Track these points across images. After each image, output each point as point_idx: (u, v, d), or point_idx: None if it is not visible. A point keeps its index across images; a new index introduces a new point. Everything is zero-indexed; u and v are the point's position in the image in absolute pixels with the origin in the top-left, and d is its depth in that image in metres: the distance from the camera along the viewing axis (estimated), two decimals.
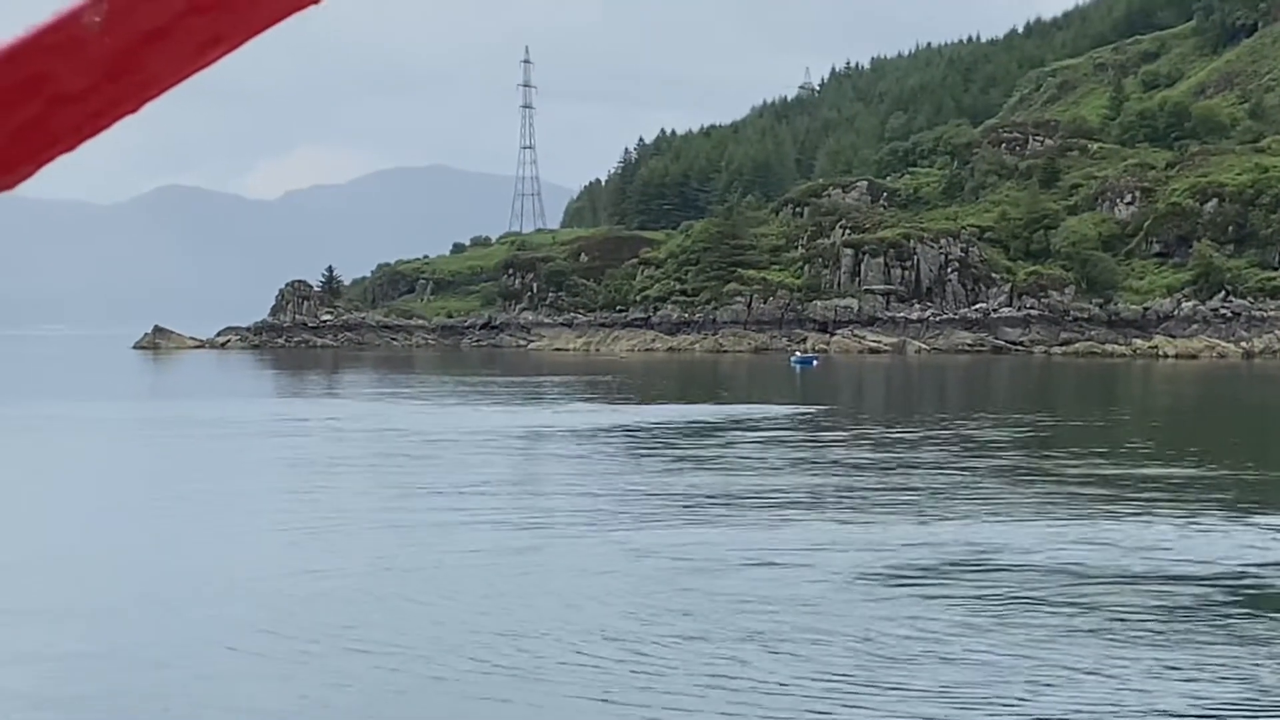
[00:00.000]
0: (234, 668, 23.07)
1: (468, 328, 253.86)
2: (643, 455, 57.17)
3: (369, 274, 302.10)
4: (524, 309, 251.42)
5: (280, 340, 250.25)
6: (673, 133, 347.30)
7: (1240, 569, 30.61)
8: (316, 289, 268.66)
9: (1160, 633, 24.61)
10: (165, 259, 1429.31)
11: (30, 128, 1.53)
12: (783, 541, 34.45)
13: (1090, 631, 24.69)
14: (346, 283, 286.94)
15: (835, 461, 53.88)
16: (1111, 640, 24.00)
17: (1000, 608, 26.65)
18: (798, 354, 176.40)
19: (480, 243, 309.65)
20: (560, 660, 22.93)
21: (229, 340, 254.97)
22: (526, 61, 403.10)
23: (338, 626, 25.53)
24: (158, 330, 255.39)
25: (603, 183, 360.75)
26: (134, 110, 1.61)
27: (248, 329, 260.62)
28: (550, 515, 40.01)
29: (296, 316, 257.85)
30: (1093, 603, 27.06)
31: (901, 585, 28.98)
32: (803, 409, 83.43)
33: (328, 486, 47.69)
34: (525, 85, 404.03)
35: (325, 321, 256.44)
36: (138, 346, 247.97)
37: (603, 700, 20.66)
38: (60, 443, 67.02)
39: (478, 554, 33.15)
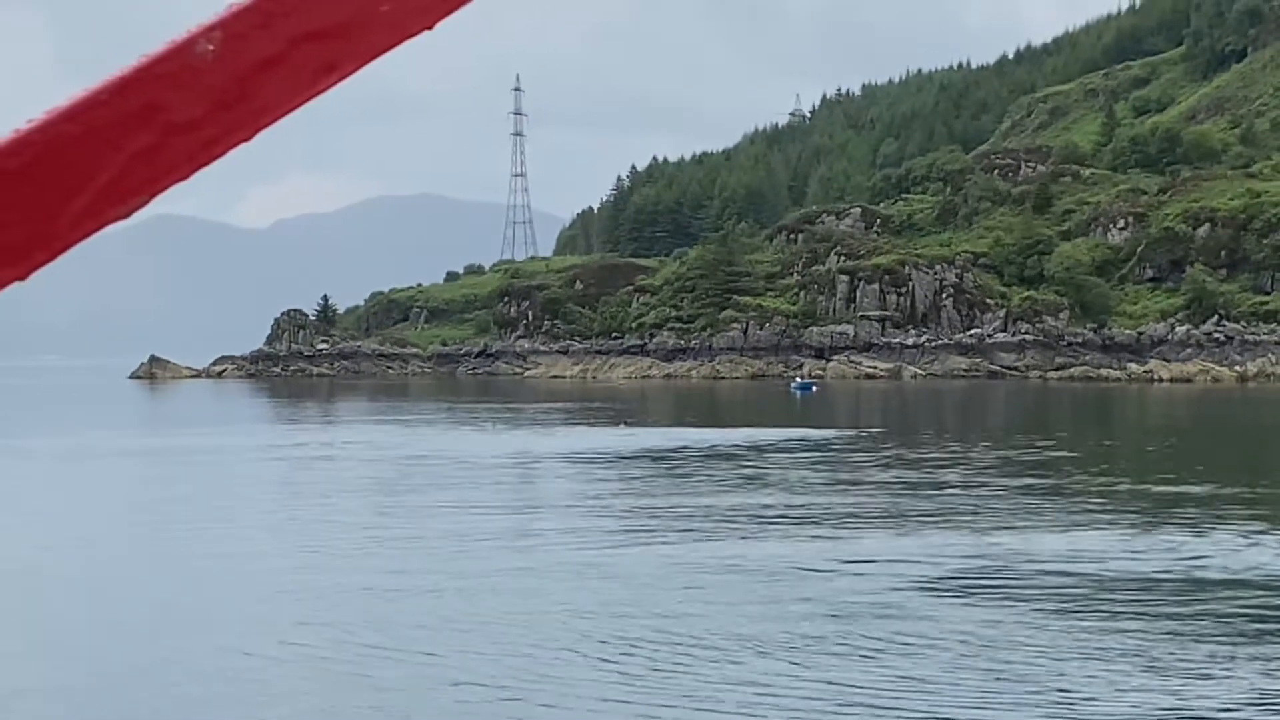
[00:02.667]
0: (290, 674, 23.74)
1: (463, 355, 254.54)
2: (682, 477, 57.98)
3: (362, 302, 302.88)
4: (520, 337, 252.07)
5: (277, 369, 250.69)
6: (665, 160, 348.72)
7: None
8: (312, 318, 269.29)
9: (1248, 635, 25.66)
10: (156, 288, 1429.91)
11: (144, 157, 1.55)
12: (849, 553, 35.44)
13: (1181, 633, 25.71)
14: (340, 311, 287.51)
15: (873, 481, 54.79)
16: (1216, 641, 25.04)
17: (1087, 612, 27.70)
18: (798, 380, 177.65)
19: (474, 271, 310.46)
20: (649, 666, 23.71)
21: (225, 369, 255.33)
22: (517, 89, 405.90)
23: (418, 638, 26.24)
24: (154, 360, 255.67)
25: (595, 210, 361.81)
26: (248, 138, 1.61)
27: (244, 358, 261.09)
28: (612, 533, 40.86)
29: (292, 345, 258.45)
30: (1187, 610, 28.12)
31: (977, 591, 30.01)
32: (821, 433, 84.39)
33: (401, 506, 48.62)
34: (516, 113, 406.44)
35: (321, 350, 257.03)
36: (134, 376, 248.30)
37: (687, 700, 21.41)
38: (109, 473, 67.78)
39: (543, 568, 34.05)
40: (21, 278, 1.53)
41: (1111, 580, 31.42)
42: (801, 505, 46.61)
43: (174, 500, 53.28)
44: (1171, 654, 24.20)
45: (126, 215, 1.59)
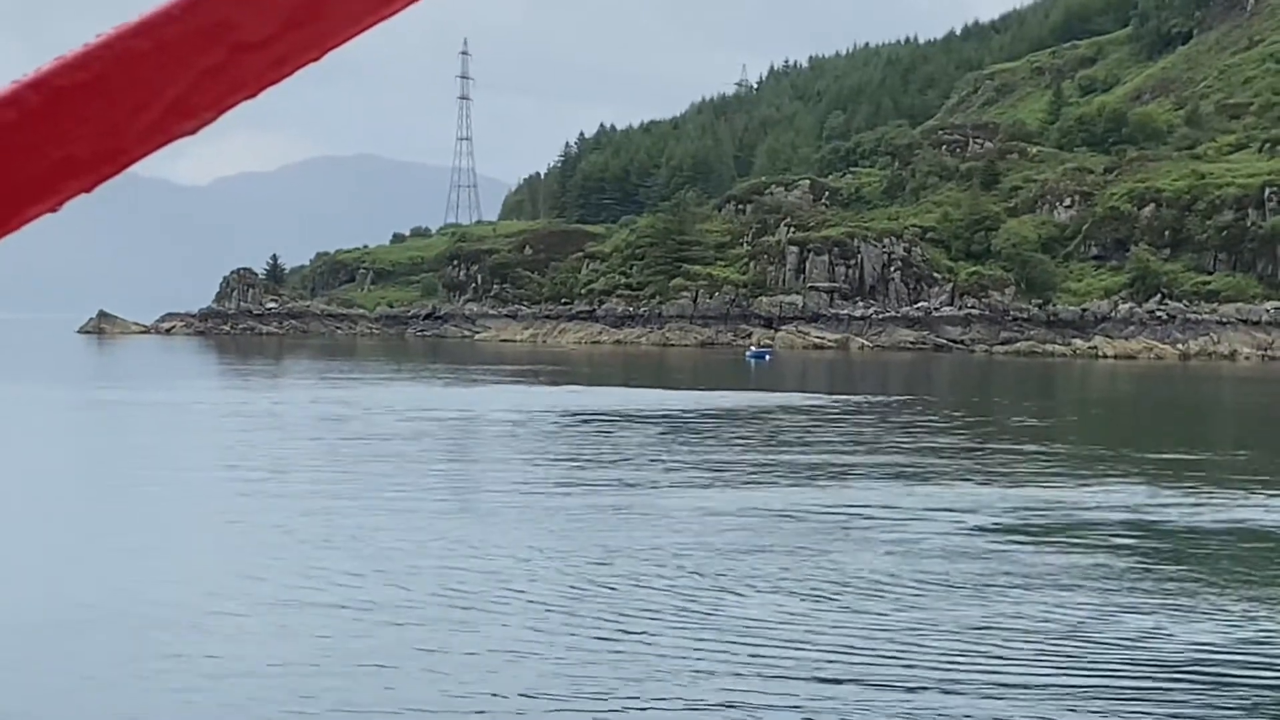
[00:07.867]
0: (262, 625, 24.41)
1: (412, 317, 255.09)
2: (691, 436, 59.06)
3: (306, 262, 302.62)
4: (468, 300, 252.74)
5: (225, 327, 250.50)
6: (613, 127, 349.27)
7: None
8: (261, 277, 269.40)
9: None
10: (94, 243, 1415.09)
11: (213, 74, 1.55)
12: (886, 502, 37.26)
13: (1216, 576, 27.89)
14: (286, 271, 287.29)
15: (884, 443, 56.30)
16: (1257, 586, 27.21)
17: (1132, 557, 29.79)
18: (753, 348, 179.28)
19: (420, 233, 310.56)
20: (716, 606, 25.15)
21: (173, 326, 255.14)
22: (465, 53, 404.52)
23: (458, 603, 27.46)
24: (102, 315, 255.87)
25: (542, 176, 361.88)
26: (316, 59, 1.61)
27: (193, 315, 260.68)
28: (643, 483, 42.26)
29: (241, 304, 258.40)
30: (1207, 553, 30.46)
31: (1014, 537, 32.03)
32: (798, 398, 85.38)
33: (458, 460, 49.36)
34: (463, 77, 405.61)
35: (270, 309, 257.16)
36: (83, 331, 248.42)
37: (751, 640, 22.78)
38: (137, 422, 68.63)
39: (601, 510, 35.58)
40: (87, 189, 1.57)
41: (1148, 526, 33.65)
42: (822, 463, 48.11)
43: (110, 452, 54.03)
44: (1211, 595, 26.23)
45: (194, 131, 1.61)
